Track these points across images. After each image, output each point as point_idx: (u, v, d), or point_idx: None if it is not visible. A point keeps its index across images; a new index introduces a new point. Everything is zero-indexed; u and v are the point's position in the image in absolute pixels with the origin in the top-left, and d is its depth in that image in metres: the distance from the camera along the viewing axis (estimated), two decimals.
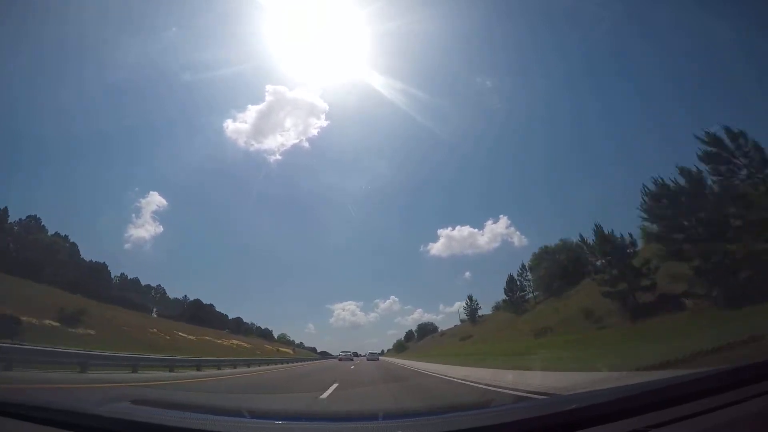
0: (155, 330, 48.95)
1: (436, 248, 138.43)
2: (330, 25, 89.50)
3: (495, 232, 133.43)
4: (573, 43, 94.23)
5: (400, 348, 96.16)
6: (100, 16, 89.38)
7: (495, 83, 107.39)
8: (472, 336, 58.59)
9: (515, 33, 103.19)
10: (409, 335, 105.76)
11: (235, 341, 67.96)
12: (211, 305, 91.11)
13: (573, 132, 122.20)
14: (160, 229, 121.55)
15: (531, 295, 59.34)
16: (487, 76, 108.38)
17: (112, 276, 76.87)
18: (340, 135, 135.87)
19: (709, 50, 79.42)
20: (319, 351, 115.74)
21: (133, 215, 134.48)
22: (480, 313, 71.92)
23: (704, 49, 79.55)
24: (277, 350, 75.54)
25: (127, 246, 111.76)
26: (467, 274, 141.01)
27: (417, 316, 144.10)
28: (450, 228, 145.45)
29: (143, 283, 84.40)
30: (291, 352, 79.18)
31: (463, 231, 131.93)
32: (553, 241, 59.60)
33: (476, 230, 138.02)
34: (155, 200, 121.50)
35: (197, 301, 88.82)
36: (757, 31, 57.27)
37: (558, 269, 49.34)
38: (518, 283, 60.25)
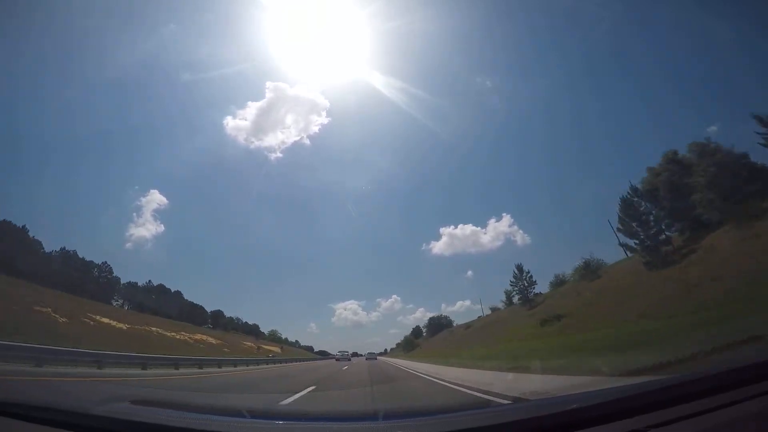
0: (48, 309, 34.41)
1: (438, 247, 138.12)
2: (330, 23, 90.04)
3: (498, 230, 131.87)
4: (573, 43, 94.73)
5: (408, 346, 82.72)
6: (100, 13, 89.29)
7: (495, 83, 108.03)
8: (565, 316, 32.74)
9: (515, 33, 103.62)
10: (417, 332, 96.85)
11: (200, 335, 58.54)
12: (179, 292, 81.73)
13: (573, 132, 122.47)
14: (161, 227, 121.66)
15: (664, 234, 34.22)
16: (487, 76, 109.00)
17: (50, 250, 65.82)
18: (341, 133, 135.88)
19: (709, 50, 79.57)
20: (317, 350, 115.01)
21: (134, 213, 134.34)
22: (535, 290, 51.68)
23: (704, 49, 79.80)
24: (259, 348, 68.16)
25: (128, 245, 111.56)
26: (469, 272, 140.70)
27: (419, 315, 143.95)
28: (452, 226, 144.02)
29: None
30: (278, 350, 72.48)
31: (466, 229, 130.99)
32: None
33: (479, 228, 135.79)
34: (156, 198, 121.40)
35: (161, 287, 78.19)
36: (757, 31, 57.41)
37: (721, 181, 27.45)
38: (644, 216, 35.05)
